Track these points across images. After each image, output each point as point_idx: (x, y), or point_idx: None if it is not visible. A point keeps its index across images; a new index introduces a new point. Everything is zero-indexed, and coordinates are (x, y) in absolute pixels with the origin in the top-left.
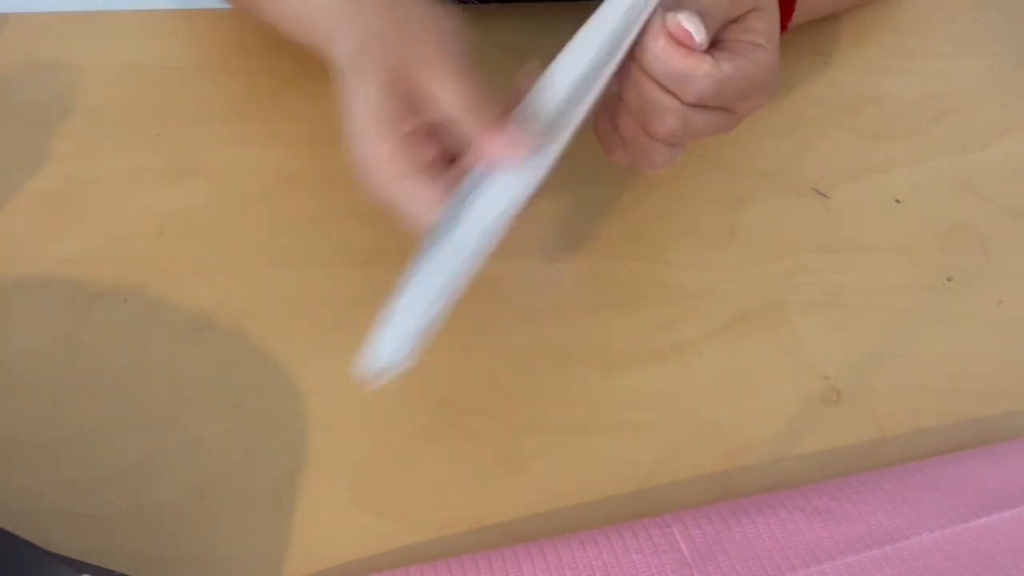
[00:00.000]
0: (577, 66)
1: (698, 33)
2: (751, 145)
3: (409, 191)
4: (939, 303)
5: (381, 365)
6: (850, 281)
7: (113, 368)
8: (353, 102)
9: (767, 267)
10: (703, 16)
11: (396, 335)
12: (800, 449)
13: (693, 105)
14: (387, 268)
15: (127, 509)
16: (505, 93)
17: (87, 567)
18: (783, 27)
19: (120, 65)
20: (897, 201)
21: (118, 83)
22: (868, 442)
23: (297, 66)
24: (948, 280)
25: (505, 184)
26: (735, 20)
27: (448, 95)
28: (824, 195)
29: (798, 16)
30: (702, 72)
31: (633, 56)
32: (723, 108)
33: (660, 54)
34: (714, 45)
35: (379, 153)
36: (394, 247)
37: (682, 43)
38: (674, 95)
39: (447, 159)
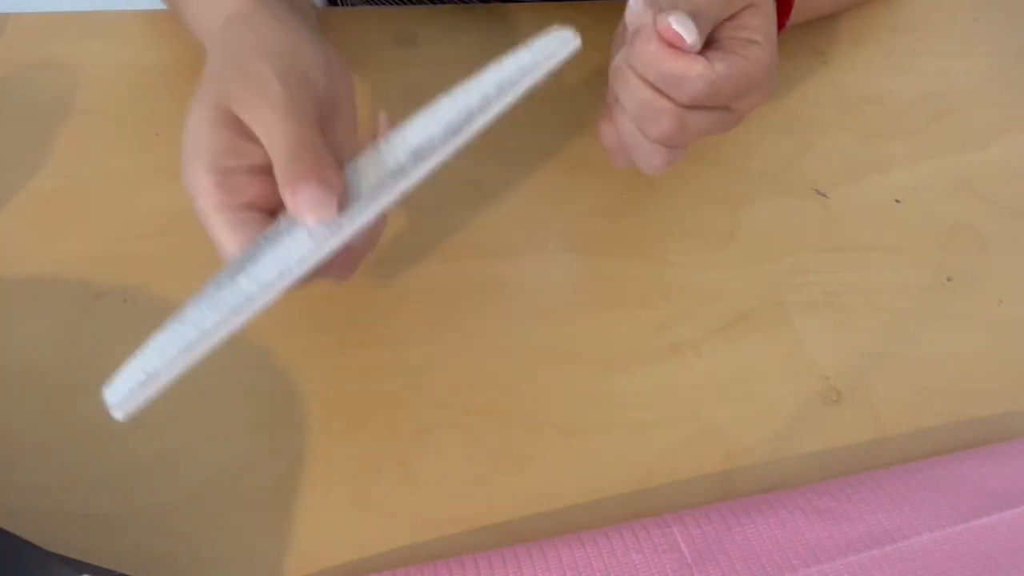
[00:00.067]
0: (418, 137)
1: (689, 34)
2: (751, 145)
3: (221, 230)
4: (939, 303)
5: (108, 401)
6: (850, 281)
7: (113, 368)
8: (186, 128)
9: (767, 267)
10: (696, 17)
11: (124, 376)
12: (800, 449)
13: (689, 106)
14: (387, 268)
15: (127, 509)
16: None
17: (87, 567)
18: (781, 25)
19: (120, 65)
20: (897, 201)
21: (118, 83)
22: (868, 442)
23: None
24: (948, 280)
25: (300, 242)
26: (730, 18)
27: (267, 139)
28: (824, 195)
29: (797, 15)
30: (695, 73)
31: (626, 58)
32: (721, 107)
33: (652, 57)
34: (709, 44)
35: (199, 183)
36: (394, 247)
37: (673, 45)
38: (669, 97)
39: (273, 203)
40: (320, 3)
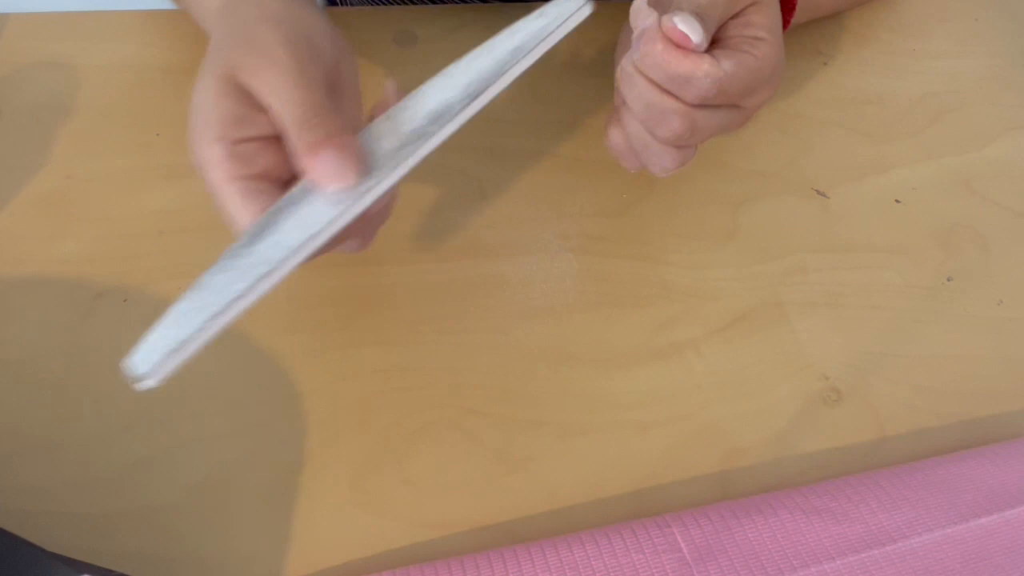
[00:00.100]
0: (435, 101)
1: (695, 34)
2: (751, 145)
3: (234, 199)
4: (939, 303)
5: (132, 373)
6: (850, 281)
7: (113, 368)
8: (193, 100)
9: (767, 267)
10: (701, 16)
11: (151, 347)
12: (800, 449)
13: (698, 105)
14: (387, 268)
15: (127, 509)
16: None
17: (87, 567)
18: (786, 22)
19: (120, 65)
20: (897, 201)
21: (118, 83)
22: (868, 442)
23: None
24: (948, 280)
25: (320, 209)
26: (735, 16)
27: (277, 105)
28: (824, 195)
29: (800, 14)
30: (702, 72)
31: (632, 60)
32: (730, 105)
33: (658, 58)
34: (715, 43)
35: (210, 155)
36: (394, 247)
37: (679, 45)
38: (677, 98)
39: (285, 172)
40: (320, 2)
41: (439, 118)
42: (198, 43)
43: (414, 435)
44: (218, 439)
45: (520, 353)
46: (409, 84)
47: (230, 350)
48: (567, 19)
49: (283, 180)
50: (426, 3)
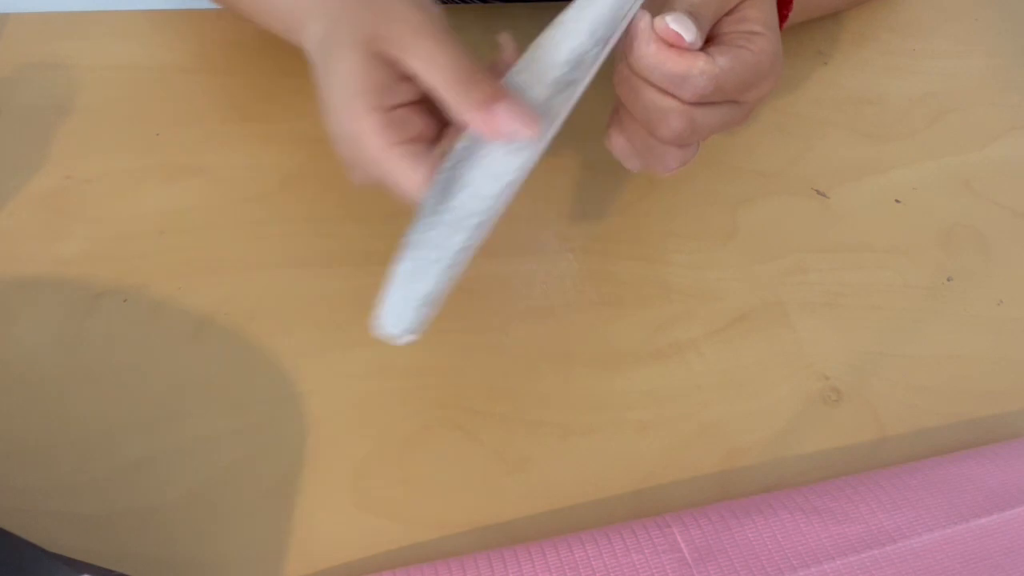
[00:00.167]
0: (565, 50)
1: (687, 33)
2: (751, 145)
3: (399, 164)
4: (939, 303)
5: (388, 334)
6: (850, 281)
7: (113, 368)
8: (333, 76)
9: (767, 267)
10: (694, 15)
11: (399, 305)
12: (800, 449)
13: (696, 103)
14: (387, 268)
15: (127, 509)
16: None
17: (87, 567)
18: (784, 17)
19: (120, 65)
20: (897, 201)
21: (118, 83)
22: (868, 442)
23: (297, 66)
24: (948, 280)
25: (507, 156)
26: (729, 13)
27: (427, 68)
28: (824, 195)
29: (798, 13)
30: (698, 70)
31: (628, 63)
32: (729, 101)
33: (653, 59)
34: (710, 40)
35: (365, 126)
36: (394, 247)
37: (673, 45)
38: (675, 97)
39: (432, 133)
40: None
41: (578, 65)
42: (198, 43)
43: (414, 435)
44: (218, 439)
45: (520, 353)
46: None
47: (230, 350)
48: None
49: (431, 141)
50: None
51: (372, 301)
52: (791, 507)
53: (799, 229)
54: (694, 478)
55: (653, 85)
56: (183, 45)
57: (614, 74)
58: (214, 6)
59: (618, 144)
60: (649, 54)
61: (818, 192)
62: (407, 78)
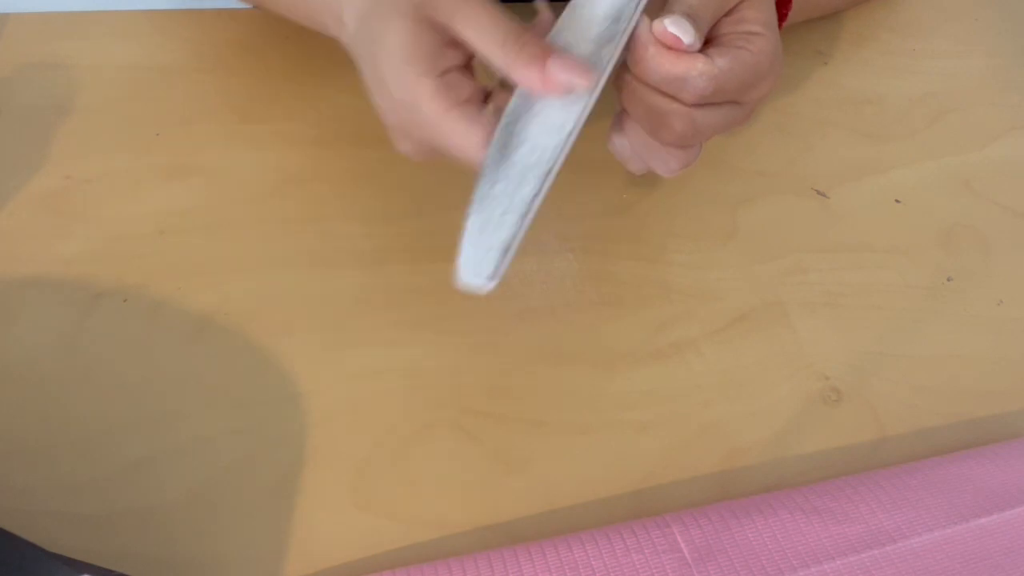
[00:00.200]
0: (604, 6)
1: (685, 35)
2: (751, 145)
3: (458, 126)
4: (939, 303)
5: (467, 284)
6: (850, 281)
7: (113, 368)
8: (381, 47)
9: (767, 267)
10: (692, 17)
11: (480, 254)
12: (800, 449)
13: (697, 105)
14: (387, 268)
15: (127, 509)
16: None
17: (87, 567)
18: (783, 16)
19: (120, 65)
20: (897, 201)
21: (118, 83)
22: (868, 442)
23: (297, 66)
24: (948, 280)
25: (564, 107)
26: (728, 13)
27: (477, 32)
28: (824, 195)
29: (798, 13)
30: (697, 71)
31: (628, 67)
32: (730, 102)
33: (652, 61)
34: (710, 41)
35: (422, 91)
36: (394, 247)
37: (672, 47)
38: (675, 99)
39: (480, 95)
40: None
41: (618, 20)
42: (198, 43)
43: (414, 435)
44: (218, 439)
45: (520, 353)
46: None
47: (231, 350)
48: None
49: (482, 99)
50: None
51: (373, 301)
52: (791, 507)
53: (799, 229)
54: (694, 478)
55: (653, 88)
56: (183, 45)
57: (616, 78)
58: (214, 6)
59: (620, 146)
60: (648, 56)
61: (818, 192)
62: (453, 43)
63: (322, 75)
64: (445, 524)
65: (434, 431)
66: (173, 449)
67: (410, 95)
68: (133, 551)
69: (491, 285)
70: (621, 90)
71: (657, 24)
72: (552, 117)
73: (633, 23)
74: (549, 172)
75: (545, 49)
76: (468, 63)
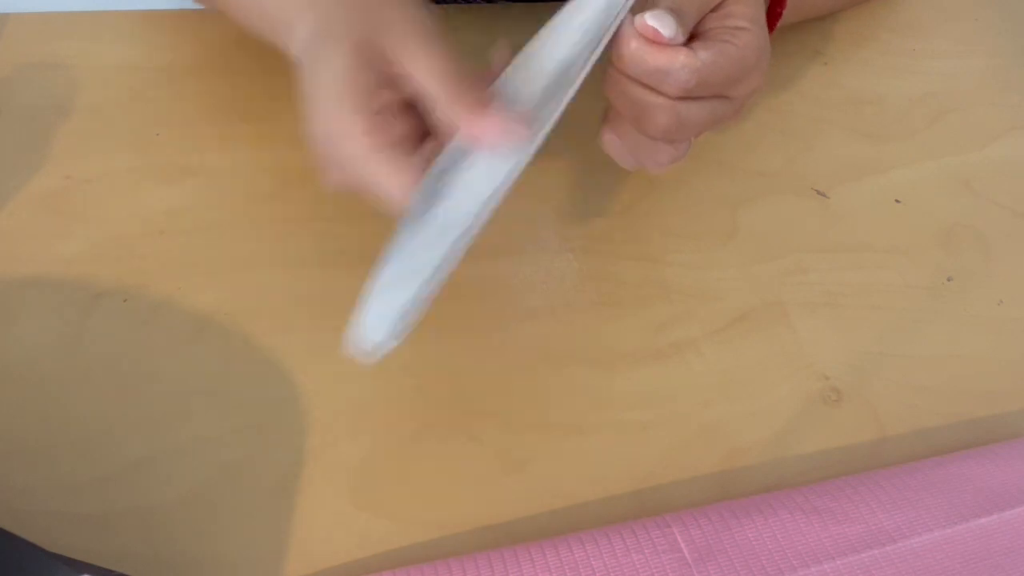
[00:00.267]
0: (561, 51)
1: (666, 28)
2: (751, 145)
3: (384, 168)
4: (939, 303)
5: (367, 344)
6: (850, 281)
7: (113, 368)
8: (318, 77)
9: (767, 267)
10: (676, 12)
11: (378, 314)
12: (800, 449)
13: (681, 98)
14: None
15: (127, 509)
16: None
17: (87, 567)
18: (778, 15)
19: (120, 65)
20: (897, 201)
21: (118, 83)
22: (868, 442)
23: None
24: (948, 280)
25: (494, 165)
26: (715, 9)
27: (421, 72)
28: (824, 195)
29: (793, 13)
30: (679, 64)
31: (612, 61)
32: (716, 96)
33: (634, 55)
34: (697, 36)
35: (351, 128)
36: None
37: (653, 41)
38: (659, 92)
39: (418, 136)
40: None
41: (566, 72)
42: (198, 43)
43: (414, 435)
44: (218, 439)
45: (520, 353)
46: None
47: (230, 350)
48: None
49: (416, 143)
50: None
51: None
52: (791, 507)
53: (799, 229)
54: (694, 478)
55: (637, 81)
56: (183, 45)
57: (604, 75)
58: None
59: (611, 143)
60: (630, 50)
61: (818, 192)
62: (393, 81)
63: None
64: (445, 524)
65: (434, 431)
66: (173, 449)
67: (340, 129)
68: (133, 551)
69: (392, 344)
70: (608, 86)
71: (639, 18)
72: (483, 170)
73: (581, 77)
74: (468, 230)
75: (484, 98)
76: (408, 103)
